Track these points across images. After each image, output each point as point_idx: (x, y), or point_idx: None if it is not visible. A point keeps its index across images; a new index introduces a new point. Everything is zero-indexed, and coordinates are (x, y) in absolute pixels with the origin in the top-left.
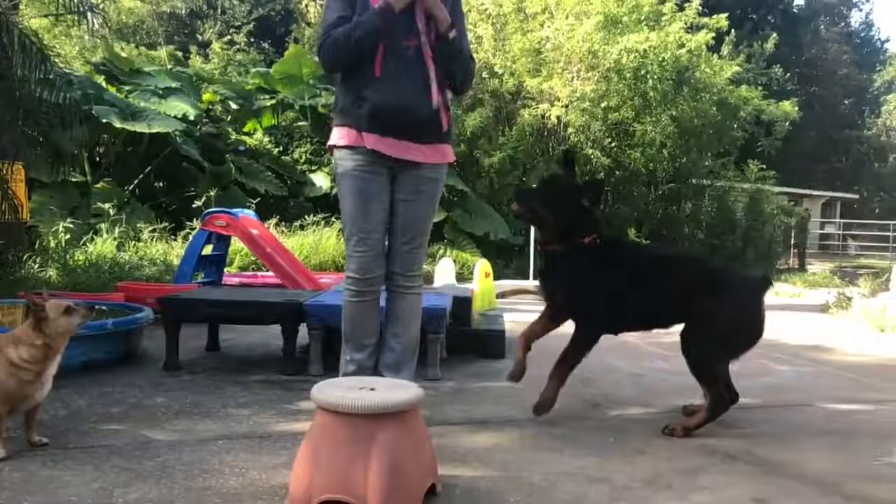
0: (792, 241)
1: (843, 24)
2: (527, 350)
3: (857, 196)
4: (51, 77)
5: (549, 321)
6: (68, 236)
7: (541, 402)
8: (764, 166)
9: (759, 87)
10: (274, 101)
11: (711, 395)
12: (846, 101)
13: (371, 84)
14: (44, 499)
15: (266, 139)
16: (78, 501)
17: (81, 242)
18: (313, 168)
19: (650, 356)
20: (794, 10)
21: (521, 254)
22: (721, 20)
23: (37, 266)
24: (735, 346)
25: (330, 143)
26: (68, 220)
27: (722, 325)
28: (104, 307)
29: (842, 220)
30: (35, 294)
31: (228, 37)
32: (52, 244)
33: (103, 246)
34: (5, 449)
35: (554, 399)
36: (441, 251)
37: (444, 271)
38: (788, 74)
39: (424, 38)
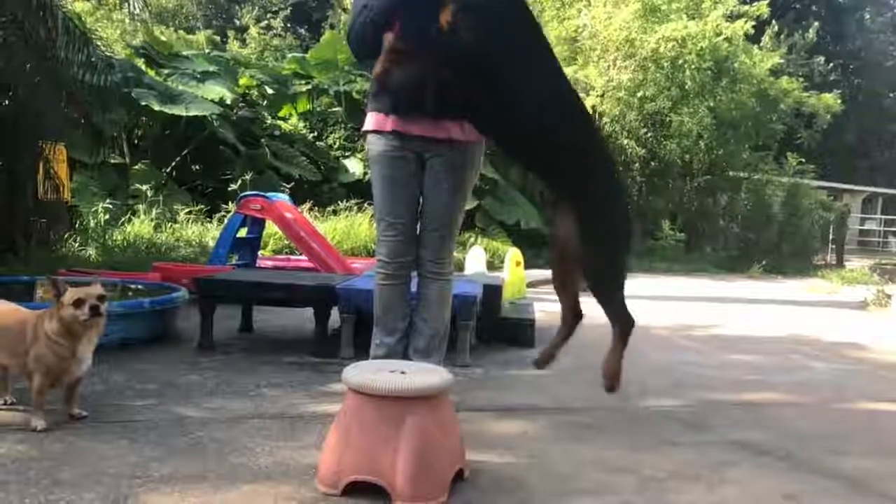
0: (830, 237)
1: (890, 14)
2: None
3: None
4: (93, 60)
5: None
6: (107, 216)
7: None
8: (803, 160)
9: (800, 79)
10: (309, 87)
11: (621, 316)
12: (891, 94)
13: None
14: (83, 469)
15: (301, 124)
16: (115, 473)
17: (120, 223)
18: (347, 154)
19: (681, 348)
20: (840, 0)
21: None
22: (762, 7)
23: (77, 245)
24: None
25: (363, 128)
26: (107, 200)
27: (622, 219)
28: (140, 286)
29: (883, 217)
30: (55, 275)
31: (265, 22)
32: (92, 224)
33: (141, 226)
34: (46, 421)
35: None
36: (472, 239)
37: (474, 260)
38: (831, 65)
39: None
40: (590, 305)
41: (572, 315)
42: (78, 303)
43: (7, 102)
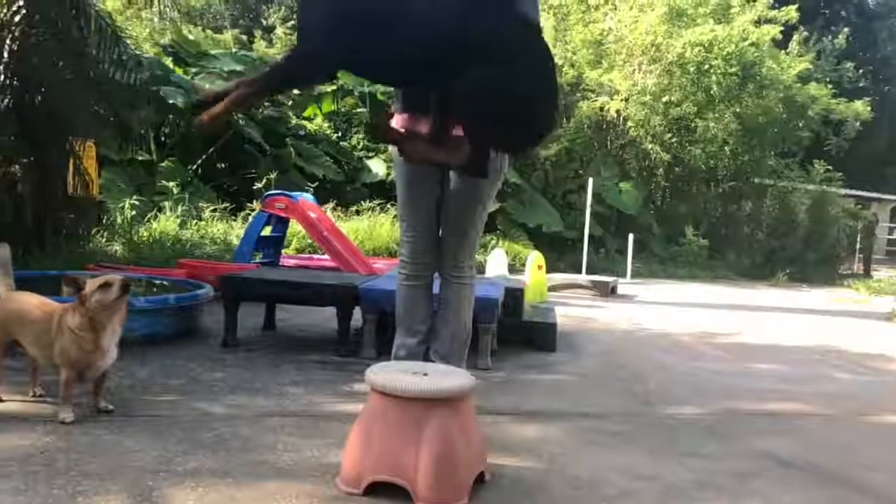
0: (857, 246)
1: None
2: None
3: None
4: (123, 58)
5: None
6: (134, 213)
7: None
8: (830, 167)
9: (829, 85)
10: (334, 87)
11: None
12: None
13: None
14: (109, 462)
15: (325, 125)
16: (140, 466)
17: (146, 219)
18: (370, 154)
19: (704, 356)
20: (871, 5)
21: (574, 247)
22: (790, 12)
23: (104, 240)
24: None
25: None
26: (134, 197)
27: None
28: (166, 283)
29: None
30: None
31: (292, 21)
32: (119, 220)
33: (166, 223)
34: (73, 413)
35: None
36: (494, 242)
37: (496, 262)
38: (861, 71)
39: None
40: (604, 311)
41: None
42: (105, 286)
43: (40, 99)
